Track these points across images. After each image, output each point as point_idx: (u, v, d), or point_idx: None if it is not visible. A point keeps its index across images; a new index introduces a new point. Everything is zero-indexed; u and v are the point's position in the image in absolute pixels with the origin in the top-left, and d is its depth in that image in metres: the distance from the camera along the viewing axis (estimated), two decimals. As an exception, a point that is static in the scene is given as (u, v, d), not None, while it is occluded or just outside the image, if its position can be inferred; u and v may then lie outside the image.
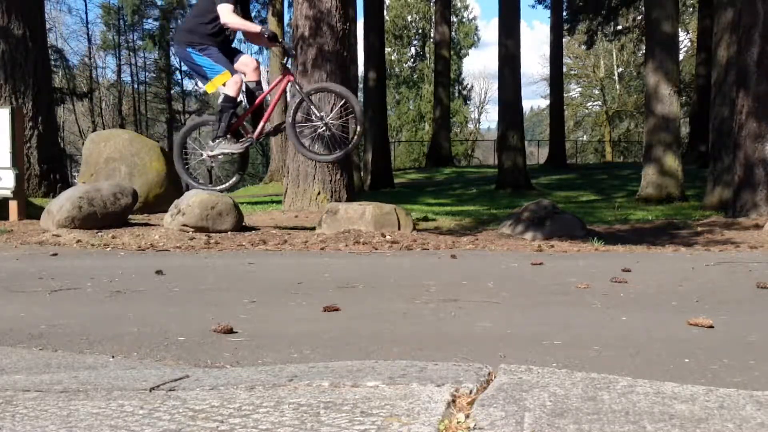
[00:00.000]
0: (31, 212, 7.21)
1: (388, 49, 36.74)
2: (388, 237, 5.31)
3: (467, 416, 1.12)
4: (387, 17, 34.62)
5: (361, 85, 19.37)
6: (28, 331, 2.29)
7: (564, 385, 1.29)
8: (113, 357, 1.94)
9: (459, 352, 1.96)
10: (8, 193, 7.06)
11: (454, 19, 40.60)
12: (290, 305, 2.75)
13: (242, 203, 8.21)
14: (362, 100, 19.99)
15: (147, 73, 34.90)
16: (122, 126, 30.74)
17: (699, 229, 6.66)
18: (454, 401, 1.20)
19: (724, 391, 1.27)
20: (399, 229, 5.69)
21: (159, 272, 3.60)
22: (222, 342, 2.12)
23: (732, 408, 1.16)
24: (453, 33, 39.19)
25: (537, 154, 34.37)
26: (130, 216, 6.62)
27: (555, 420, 1.09)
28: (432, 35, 37.76)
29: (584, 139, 44.51)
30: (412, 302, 2.76)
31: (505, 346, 2.04)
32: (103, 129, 24.92)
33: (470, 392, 1.25)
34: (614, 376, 1.39)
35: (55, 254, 4.64)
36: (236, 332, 2.24)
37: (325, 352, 1.99)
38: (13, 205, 7.08)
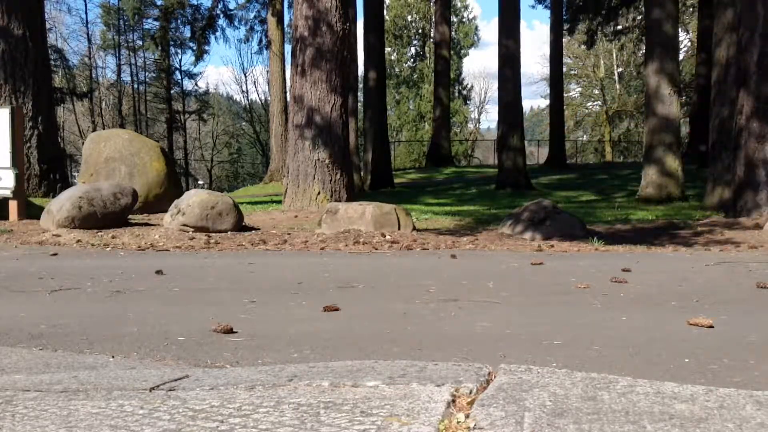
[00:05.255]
0: (31, 212, 7.21)
1: (388, 49, 36.73)
2: (388, 237, 5.31)
3: (467, 416, 1.12)
4: (387, 17, 34.62)
5: (361, 85, 19.36)
6: (28, 331, 2.29)
7: (564, 385, 1.29)
8: (113, 357, 1.94)
9: (459, 352, 1.96)
10: (8, 193, 7.07)
11: (454, 19, 40.59)
12: (290, 305, 2.75)
13: (242, 203, 8.21)
14: (362, 100, 19.98)
15: (147, 73, 34.89)
16: (122, 126, 30.71)
17: (699, 229, 6.66)
18: (454, 401, 1.20)
19: (724, 391, 1.27)
20: (399, 229, 5.69)
21: (159, 272, 3.60)
22: (222, 342, 2.12)
23: (732, 408, 1.16)
24: (453, 33, 39.17)
25: (537, 154, 34.34)
26: (130, 216, 6.62)
27: (555, 420, 1.09)
28: (432, 35, 37.74)
29: (584, 139, 44.47)
30: (412, 302, 2.76)
31: (505, 346, 2.03)
32: (103, 129, 24.91)
33: (470, 392, 1.25)
34: (614, 376, 1.39)
35: (55, 254, 4.64)
36: (236, 332, 2.24)
37: (325, 352, 1.98)
38: (13, 205, 7.09)
